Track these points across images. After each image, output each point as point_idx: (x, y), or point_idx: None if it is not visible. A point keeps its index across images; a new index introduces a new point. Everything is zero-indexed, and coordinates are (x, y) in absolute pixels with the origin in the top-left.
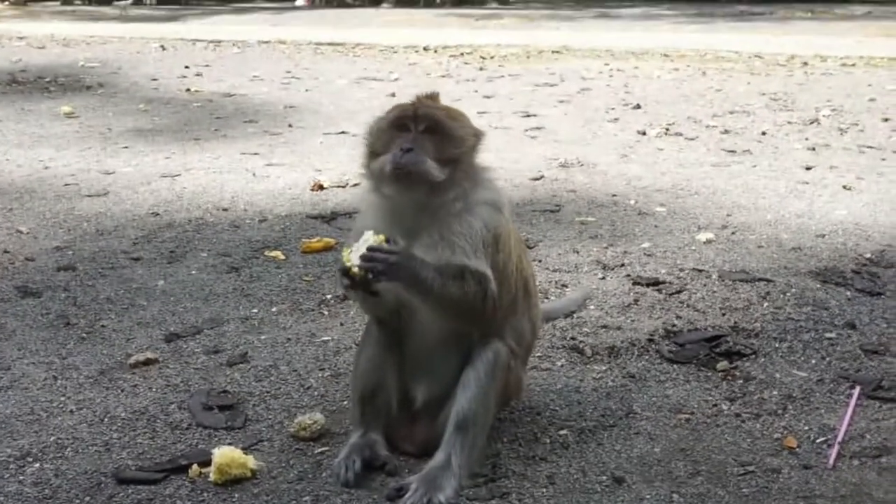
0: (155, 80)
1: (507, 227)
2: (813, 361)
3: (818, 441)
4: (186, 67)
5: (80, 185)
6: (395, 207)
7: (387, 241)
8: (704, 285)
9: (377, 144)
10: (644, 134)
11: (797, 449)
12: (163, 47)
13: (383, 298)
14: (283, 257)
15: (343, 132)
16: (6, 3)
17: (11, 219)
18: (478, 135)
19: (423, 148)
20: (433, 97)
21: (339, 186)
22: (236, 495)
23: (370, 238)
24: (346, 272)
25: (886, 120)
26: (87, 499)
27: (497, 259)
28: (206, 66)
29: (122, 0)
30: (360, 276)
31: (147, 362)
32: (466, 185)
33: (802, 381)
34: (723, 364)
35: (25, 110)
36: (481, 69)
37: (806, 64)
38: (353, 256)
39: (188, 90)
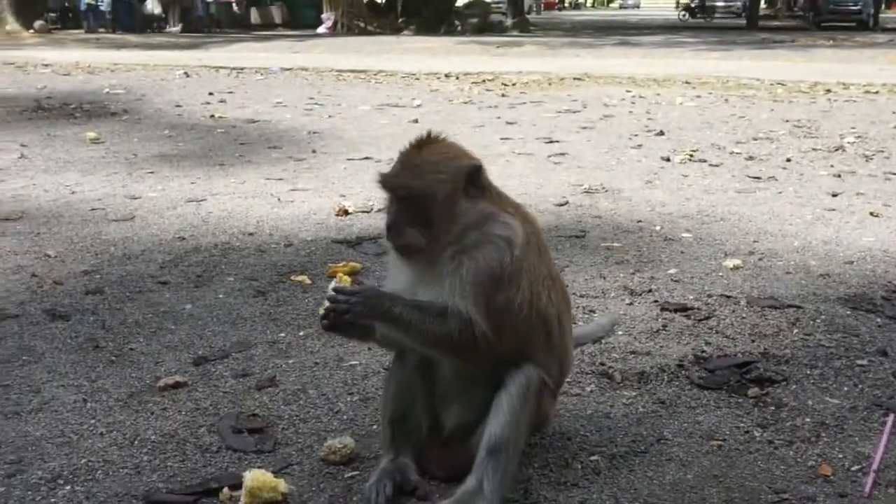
0: (179, 106)
1: (516, 265)
2: (845, 388)
3: (853, 469)
4: (210, 94)
5: (107, 210)
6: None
7: (353, 283)
8: (733, 311)
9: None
10: (668, 160)
11: (832, 477)
12: (186, 74)
13: (376, 335)
14: (309, 282)
15: (367, 157)
16: (31, 31)
17: (39, 243)
18: (463, 172)
19: (401, 219)
20: (420, 145)
21: (363, 211)
22: None
23: (334, 282)
24: (323, 316)
25: None
26: None
27: (496, 299)
28: (230, 92)
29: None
30: (329, 315)
31: (176, 385)
32: (468, 224)
33: (835, 408)
34: (754, 390)
35: (51, 136)
36: (503, 95)
37: (829, 91)
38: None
39: (212, 116)
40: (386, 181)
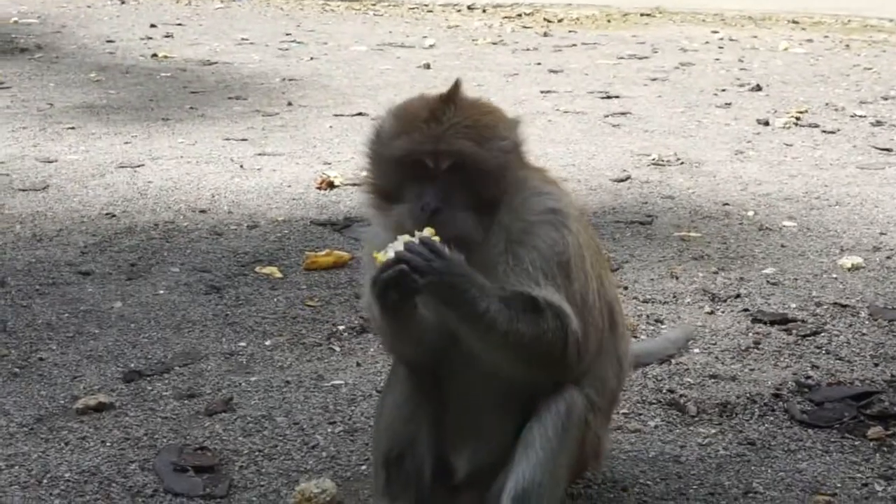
0: (111, 41)
1: (578, 243)
2: None
3: None
4: (153, 27)
5: (12, 177)
6: None
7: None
8: (850, 325)
9: (383, 182)
10: (767, 124)
11: None
12: (121, 0)
13: (421, 324)
14: (279, 275)
15: (360, 113)
16: None
17: None
18: (518, 139)
19: (452, 200)
20: (453, 98)
21: (354, 184)
22: None
23: (420, 234)
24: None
25: None
26: None
27: (572, 290)
28: (179, 24)
29: None
30: (382, 265)
31: (99, 407)
32: (515, 199)
33: None
34: (875, 430)
35: None
36: (546, 35)
37: None
38: (391, 248)
39: (154, 56)
40: (447, 140)
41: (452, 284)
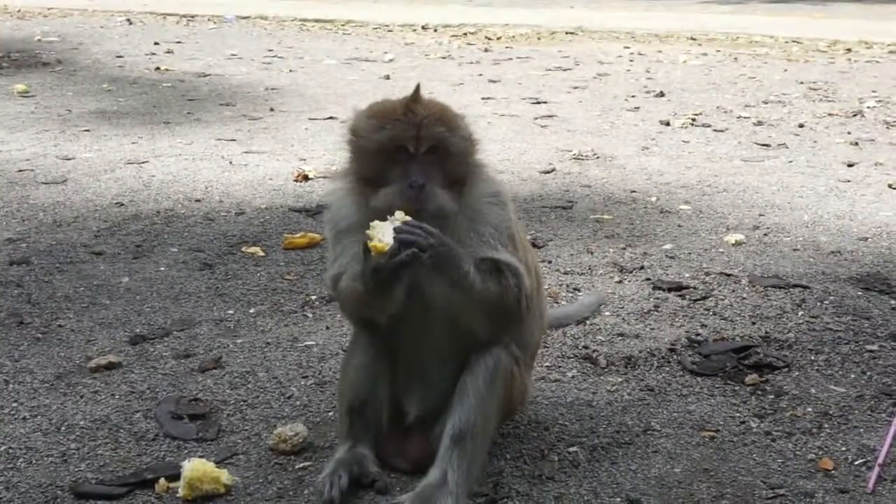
0: (120, 56)
1: (515, 219)
2: (852, 376)
3: (857, 463)
4: (156, 44)
5: (36, 172)
6: None
7: None
8: (733, 291)
9: (367, 169)
10: (668, 124)
11: (833, 471)
12: (129, 21)
13: (395, 293)
14: (262, 254)
15: (331, 117)
16: None
17: None
18: (473, 134)
19: (431, 177)
20: (418, 98)
21: (325, 177)
22: None
23: (401, 217)
24: (368, 250)
25: None
26: None
27: (518, 256)
28: (178, 42)
29: None
30: (388, 252)
31: (109, 366)
32: (471, 183)
33: (840, 397)
34: (752, 377)
35: None
36: (486, 50)
37: (849, 50)
38: (381, 235)
39: (157, 69)
40: (427, 127)
41: (446, 255)
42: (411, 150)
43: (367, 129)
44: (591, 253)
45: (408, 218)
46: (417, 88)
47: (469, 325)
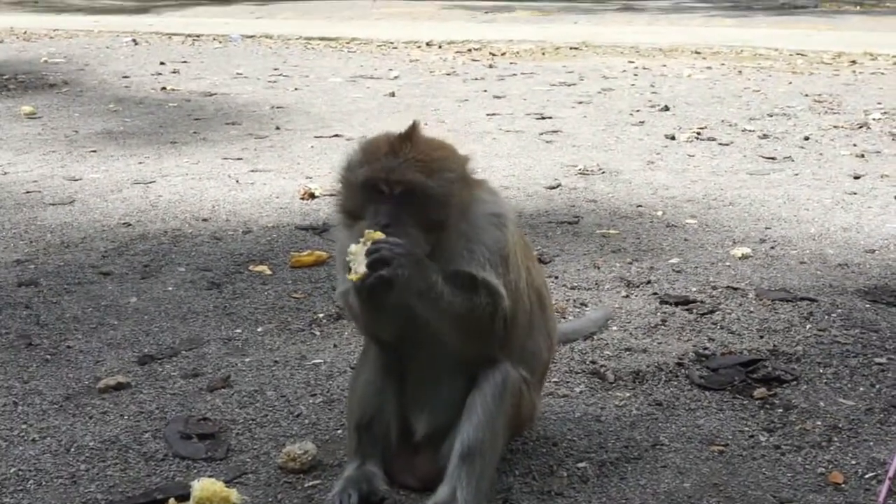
0: (126, 77)
1: (513, 241)
2: (861, 389)
3: (867, 476)
4: (161, 64)
5: (44, 193)
6: None
7: None
8: (740, 305)
9: (348, 203)
10: (673, 139)
11: (843, 485)
12: (135, 42)
13: (389, 311)
14: (269, 272)
15: (337, 135)
16: None
17: None
18: (464, 168)
19: (401, 219)
20: (410, 136)
21: (331, 195)
22: None
23: (372, 234)
24: (369, 268)
25: None
26: None
27: (508, 279)
28: (184, 62)
29: None
30: (362, 277)
31: (118, 387)
32: (464, 205)
33: (849, 410)
34: (760, 391)
35: None
36: (491, 66)
37: (854, 62)
38: (356, 266)
39: (163, 89)
40: (398, 171)
41: (412, 265)
42: (385, 190)
43: (352, 162)
44: (598, 268)
45: (380, 235)
46: (413, 126)
47: (444, 338)
